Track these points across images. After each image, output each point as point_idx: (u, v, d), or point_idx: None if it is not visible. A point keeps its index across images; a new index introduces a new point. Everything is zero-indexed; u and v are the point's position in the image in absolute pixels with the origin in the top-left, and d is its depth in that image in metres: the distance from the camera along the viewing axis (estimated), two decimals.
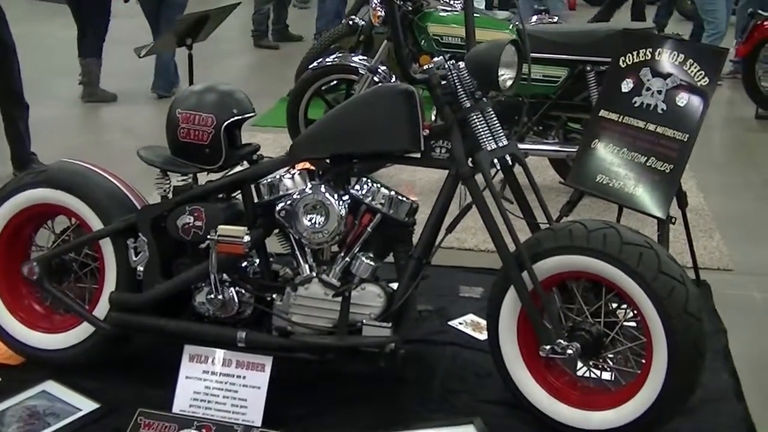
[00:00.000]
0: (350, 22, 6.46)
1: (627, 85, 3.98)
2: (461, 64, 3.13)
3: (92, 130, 7.61)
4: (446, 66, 3.13)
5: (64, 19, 11.00)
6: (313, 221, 3.16)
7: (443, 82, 3.13)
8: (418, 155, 3.22)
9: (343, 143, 3.21)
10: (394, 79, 5.65)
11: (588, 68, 5.22)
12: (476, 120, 3.12)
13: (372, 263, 3.20)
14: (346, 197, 3.21)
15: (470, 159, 3.14)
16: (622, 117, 3.96)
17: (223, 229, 3.18)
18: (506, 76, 3.11)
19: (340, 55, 5.88)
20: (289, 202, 3.20)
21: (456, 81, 3.12)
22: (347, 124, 3.21)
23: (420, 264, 3.21)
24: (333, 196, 3.17)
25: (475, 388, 3.49)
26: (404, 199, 3.23)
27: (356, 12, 7.05)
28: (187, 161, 3.32)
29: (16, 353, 3.56)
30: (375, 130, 3.16)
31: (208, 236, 3.18)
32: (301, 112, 5.85)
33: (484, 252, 4.82)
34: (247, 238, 3.15)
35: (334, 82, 5.85)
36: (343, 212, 3.15)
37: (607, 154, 3.97)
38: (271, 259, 3.40)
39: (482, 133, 3.12)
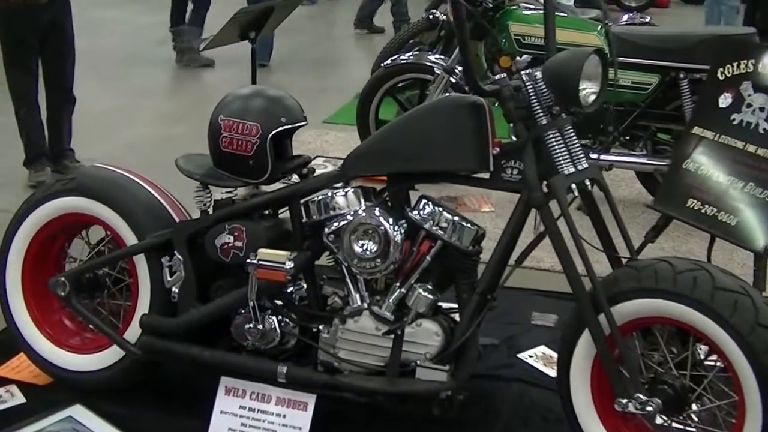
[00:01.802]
0: (430, 16, 6.11)
1: (725, 100, 3.55)
2: (538, 74, 2.76)
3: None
4: (521, 77, 2.76)
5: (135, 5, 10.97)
6: (365, 248, 2.83)
7: (517, 95, 2.77)
8: (487, 176, 2.86)
9: (402, 161, 2.87)
10: None
11: (681, 75, 4.82)
12: (553, 139, 2.76)
13: (430, 296, 2.86)
14: (403, 221, 2.87)
15: (544, 183, 2.77)
16: (718, 135, 3.53)
17: (264, 252, 2.86)
18: (588, 90, 2.74)
19: (416, 53, 5.54)
20: (339, 225, 2.88)
21: (531, 94, 2.75)
22: (407, 139, 2.87)
23: (484, 300, 2.86)
24: (388, 221, 2.83)
25: None
26: (469, 225, 2.88)
27: (436, 6, 6.67)
28: (229, 173, 3.01)
29: (43, 372, 3.29)
30: (438, 147, 2.82)
31: (248, 260, 2.87)
32: (371, 112, 5.54)
33: (561, 273, 4.41)
34: (289, 265, 2.83)
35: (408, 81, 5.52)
36: (398, 239, 2.82)
37: (700, 176, 3.54)
38: (321, 282, 3.08)
39: (559, 154, 2.75)
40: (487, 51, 5.25)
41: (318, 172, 3.10)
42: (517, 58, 2.81)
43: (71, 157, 5.59)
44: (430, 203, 2.90)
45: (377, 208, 2.87)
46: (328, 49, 10.24)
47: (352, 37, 10.60)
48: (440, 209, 2.89)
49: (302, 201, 3.00)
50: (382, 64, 5.58)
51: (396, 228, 2.83)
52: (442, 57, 5.36)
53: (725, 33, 5.27)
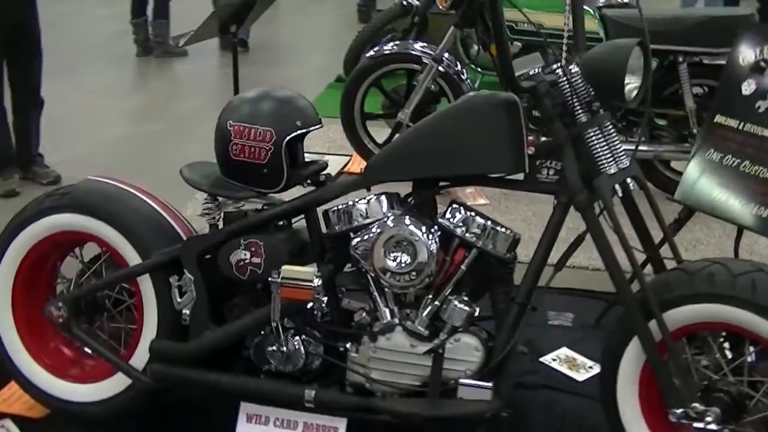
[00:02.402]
0: (403, 3, 5.91)
1: (748, 87, 3.39)
2: (573, 68, 2.58)
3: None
4: (557, 71, 2.57)
5: None
6: (397, 260, 2.63)
7: (553, 91, 2.58)
8: (521, 177, 2.66)
9: (432, 165, 2.66)
10: (459, 67, 5.09)
11: (680, 59, 4.67)
12: (594, 137, 2.57)
13: (466, 308, 2.67)
14: (434, 229, 2.67)
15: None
16: (742, 124, 3.37)
17: (288, 270, 2.64)
18: (632, 85, 2.55)
19: (399, 42, 5.32)
20: (366, 237, 2.66)
21: (568, 90, 2.57)
22: (437, 141, 2.66)
23: (523, 310, 2.67)
24: (420, 230, 2.62)
25: None
26: (504, 230, 2.69)
27: None
28: (240, 183, 2.78)
29: (39, 404, 3.04)
30: (471, 149, 2.62)
31: (270, 278, 2.64)
32: (357, 104, 5.30)
33: (570, 268, 4.23)
34: (317, 282, 2.62)
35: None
36: (433, 248, 2.61)
37: (724, 167, 3.38)
38: (340, 295, 2.87)
39: (601, 153, 2.57)
40: (478, 38, 5.04)
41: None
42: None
43: (40, 163, 5.31)
44: (461, 208, 2.70)
45: (407, 217, 2.66)
46: (300, 36, 9.99)
47: (326, 23, 10.36)
48: (472, 214, 2.69)
49: (322, 210, 2.79)
50: (366, 55, 5.35)
51: (430, 237, 2.62)
52: (428, 46, 5.15)
53: (724, 15, 5.13)
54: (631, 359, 2.63)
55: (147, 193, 2.95)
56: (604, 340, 2.75)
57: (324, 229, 2.78)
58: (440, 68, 5.00)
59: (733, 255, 3.53)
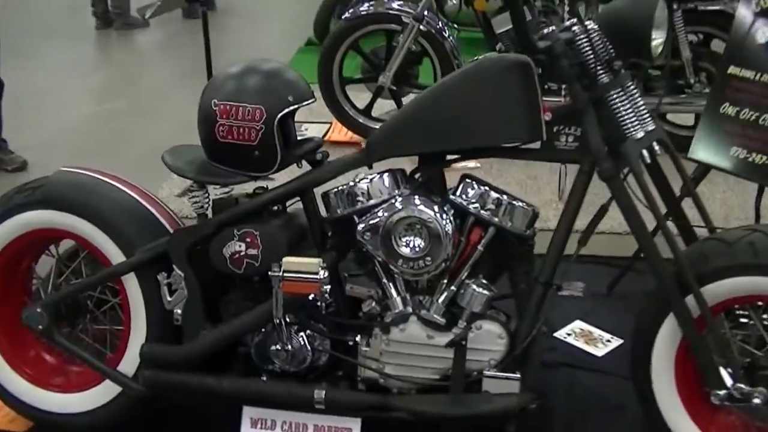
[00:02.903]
0: None
1: (764, 35, 3.15)
2: (591, 25, 2.34)
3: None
4: (574, 29, 2.34)
5: None
6: (411, 245, 2.39)
7: (569, 50, 2.35)
8: (537, 146, 2.43)
9: (440, 138, 2.42)
10: (441, 25, 4.83)
11: (674, 6, 4.45)
12: (617, 99, 2.35)
13: (485, 292, 2.45)
14: (447, 207, 2.43)
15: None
16: (759, 74, 3.14)
17: (290, 262, 2.39)
18: (657, 40, 2.33)
19: (375, 1, 5.04)
20: (373, 220, 2.42)
21: (588, 48, 2.33)
22: (444, 112, 2.41)
23: (547, 289, 2.45)
24: (433, 209, 2.39)
25: (606, 425, 2.80)
26: (522, 204, 2.46)
27: None
28: (229, 168, 2.52)
29: (22, 416, 2.79)
30: (482, 118, 2.38)
31: (270, 272, 2.39)
32: (335, 69, 5.04)
33: (576, 233, 4.01)
34: (323, 274, 2.37)
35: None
36: (449, 229, 2.38)
37: (741, 120, 3.16)
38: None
39: (626, 116, 2.35)
40: None
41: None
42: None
43: (5, 149, 5.03)
44: (474, 183, 2.47)
45: (416, 197, 2.42)
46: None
47: None
48: (487, 189, 2.46)
49: (320, 192, 2.54)
50: (342, 17, 5.07)
51: (444, 217, 2.39)
52: (406, 3, 4.88)
53: None
54: (667, 338, 2.44)
55: (126, 183, 2.69)
56: (635, 318, 2.54)
57: (324, 213, 2.54)
58: (421, 27, 4.76)
59: (755, 217, 3.33)
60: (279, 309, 2.42)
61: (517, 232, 2.45)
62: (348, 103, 5.12)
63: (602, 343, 3.26)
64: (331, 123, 5.31)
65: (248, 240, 2.48)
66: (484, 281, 2.47)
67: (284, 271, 2.38)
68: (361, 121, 5.10)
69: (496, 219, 2.43)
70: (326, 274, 2.37)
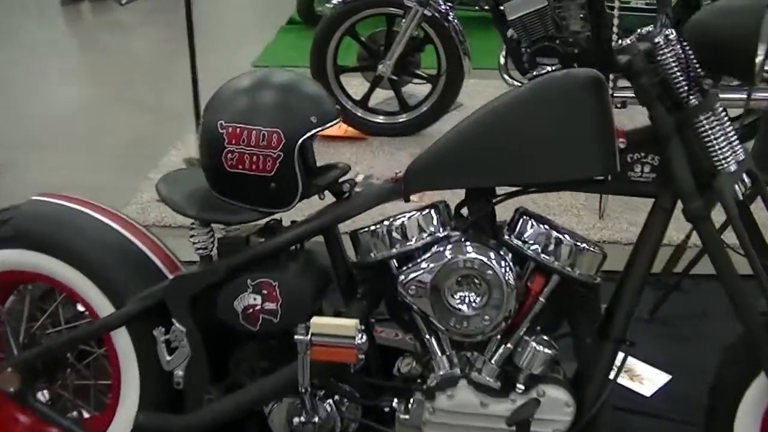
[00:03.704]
0: None
1: None
2: (673, 36, 1.94)
3: None
4: (658, 39, 1.92)
5: None
6: (466, 301, 1.99)
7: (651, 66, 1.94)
8: (604, 178, 2.04)
9: (494, 172, 2.02)
10: (445, 8, 4.41)
11: None
12: (707, 125, 1.95)
13: (548, 351, 2.06)
14: (504, 252, 2.03)
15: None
16: None
17: (320, 324, 1.97)
18: (761, 57, 1.93)
19: None
20: (419, 272, 2.01)
21: (673, 64, 1.92)
22: (500, 141, 2.01)
23: (619, 347, 2.07)
24: (491, 257, 1.99)
25: None
26: (590, 247, 2.06)
27: None
28: (238, 202, 2.10)
29: None
30: (546, 149, 1.99)
31: (296, 335, 1.98)
32: (329, 56, 4.60)
33: (605, 243, 3.61)
34: (361, 338, 1.96)
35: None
36: (511, 281, 1.98)
37: None
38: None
39: (717, 145, 1.95)
40: None
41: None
42: None
43: None
44: (532, 220, 2.06)
45: (469, 242, 2.02)
46: None
47: None
48: (547, 228, 2.05)
49: (350, 231, 2.13)
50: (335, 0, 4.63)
51: (504, 266, 1.98)
52: None
53: None
54: (755, 401, 2.08)
55: (113, 215, 2.25)
56: (715, 371, 2.16)
57: (354, 256, 2.13)
58: (426, 12, 4.33)
59: None
60: (306, 378, 2.01)
61: (584, 279, 2.06)
62: (343, 94, 4.70)
63: (648, 380, 2.89)
64: None
65: (265, 292, 2.06)
66: (544, 337, 2.08)
67: (313, 335, 1.97)
68: (357, 113, 4.69)
69: (561, 265, 2.03)
70: (365, 338, 1.97)
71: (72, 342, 2.24)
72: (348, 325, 1.97)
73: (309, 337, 1.97)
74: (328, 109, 2.10)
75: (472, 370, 2.07)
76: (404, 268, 2.03)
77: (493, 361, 2.07)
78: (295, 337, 1.98)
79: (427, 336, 2.08)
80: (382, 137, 4.66)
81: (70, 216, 2.22)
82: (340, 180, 2.16)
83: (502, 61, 4.42)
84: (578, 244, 2.05)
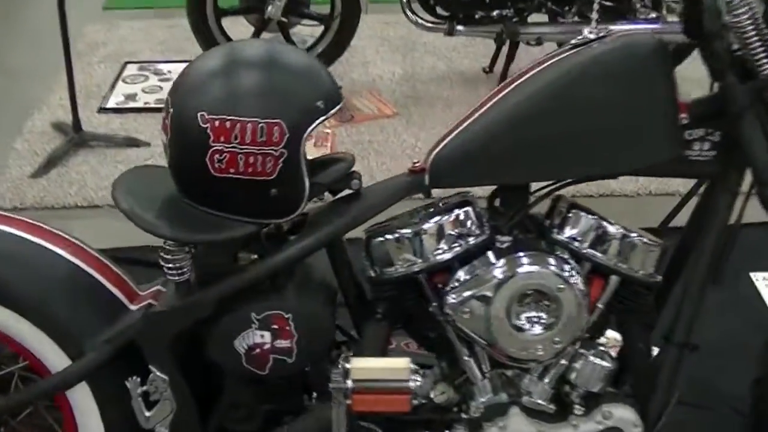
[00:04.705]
0: None
1: None
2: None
3: None
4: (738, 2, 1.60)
5: None
6: (533, 321, 1.64)
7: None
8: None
9: (539, 168, 1.66)
10: None
11: None
12: None
13: (607, 364, 1.75)
14: (565, 256, 1.69)
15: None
16: None
17: (363, 368, 1.57)
18: None
19: None
20: (475, 290, 1.63)
21: (752, 30, 1.61)
22: (546, 127, 1.65)
23: (682, 352, 1.78)
24: (558, 265, 1.65)
25: None
26: (649, 241, 1.73)
27: None
28: (229, 214, 1.65)
29: None
30: (604, 135, 1.65)
31: (331, 384, 1.58)
32: None
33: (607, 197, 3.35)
34: (417, 383, 1.58)
35: None
36: (584, 290, 1.64)
37: None
38: None
39: None
40: None
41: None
42: None
43: None
44: (582, 214, 1.72)
45: (524, 250, 1.66)
46: None
47: None
48: (599, 221, 1.72)
49: (364, 239, 1.73)
50: None
51: (575, 274, 1.64)
52: None
53: None
54: None
55: (62, 239, 1.76)
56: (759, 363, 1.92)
57: (373, 270, 1.73)
58: None
59: None
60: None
61: (646, 279, 1.74)
62: (225, 40, 4.16)
63: None
64: None
65: (276, 327, 1.64)
66: (601, 348, 1.76)
67: (355, 380, 1.57)
68: None
69: (622, 264, 1.71)
70: (421, 381, 1.59)
71: (18, 404, 1.76)
72: (399, 367, 1.58)
73: (351, 385, 1.57)
74: (333, 89, 1.67)
75: (522, 394, 1.74)
76: (449, 287, 1.65)
77: (546, 381, 1.74)
78: (330, 385, 1.58)
79: (466, 358, 1.73)
80: None
81: (6, 243, 1.71)
82: (349, 176, 1.74)
83: None
84: (638, 237, 1.73)
